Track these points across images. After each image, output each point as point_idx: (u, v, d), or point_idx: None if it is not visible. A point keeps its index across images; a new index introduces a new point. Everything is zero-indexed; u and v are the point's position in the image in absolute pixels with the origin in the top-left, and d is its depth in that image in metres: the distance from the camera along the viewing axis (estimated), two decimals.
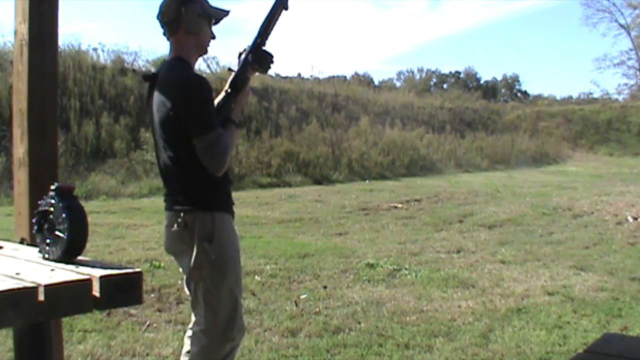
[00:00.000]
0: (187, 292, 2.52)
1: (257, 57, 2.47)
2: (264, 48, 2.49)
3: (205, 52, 2.46)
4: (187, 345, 2.53)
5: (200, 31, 2.38)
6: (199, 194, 2.31)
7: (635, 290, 5.06)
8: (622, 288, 5.13)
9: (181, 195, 2.33)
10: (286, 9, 2.48)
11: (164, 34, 2.41)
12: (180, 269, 2.52)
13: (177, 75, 2.32)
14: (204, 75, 2.80)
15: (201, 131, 2.22)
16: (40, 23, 2.26)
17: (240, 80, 2.47)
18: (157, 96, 2.34)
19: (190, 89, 2.28)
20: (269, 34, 2.49)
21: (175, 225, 2.30)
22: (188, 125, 2.24)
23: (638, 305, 4.64)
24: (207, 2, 2.42)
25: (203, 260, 2.29)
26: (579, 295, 4.92)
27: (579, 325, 4.17)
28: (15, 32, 2.30)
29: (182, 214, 2.29)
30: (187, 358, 2.48)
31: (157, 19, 2.41)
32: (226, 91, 2.47)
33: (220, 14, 2.47)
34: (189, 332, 2.54)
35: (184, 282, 2.55)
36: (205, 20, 2.40)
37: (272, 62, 2.51)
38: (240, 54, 2.51)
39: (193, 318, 2.52)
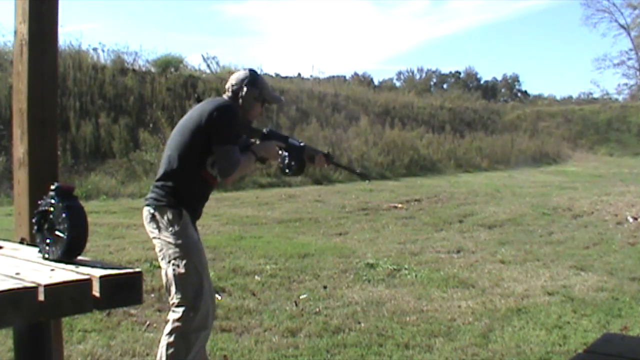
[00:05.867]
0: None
1: (300, 164, 2.98)
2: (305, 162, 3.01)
3: (250, 121, 2.98)
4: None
5: (251, 109, 2.92)
6: (173, 196, 2.76)
7: (635, 290, 5.06)
8: (622, 288, 5.13)
9: (159, 195, 2.78)
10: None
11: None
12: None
13: (217, 101, 2.88)
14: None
15: (224, 142, 2.74)
16: (40, 23, 2.26)
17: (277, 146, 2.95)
18: (194, 110, 2.82)
19: (226, 110, 2.78)
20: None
21: (148, 217, 2.79)
22: (214, 135, 2.71)
23: (638, 305, 4.64)
24: (268, 89, 2.95)
25: (170, 241, 2.73)
26: (579, 295, 4.92)
27: (579, 325, 4.17)
28: (15, 32, 2.30)
29: (152, 208, 2.77)
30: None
31: (228, 81, 2.95)
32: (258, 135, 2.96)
33: (274, 101, 3.05)
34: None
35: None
36: (259, 102, 2.93)
37: (300, 172, 3.02)
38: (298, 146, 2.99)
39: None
